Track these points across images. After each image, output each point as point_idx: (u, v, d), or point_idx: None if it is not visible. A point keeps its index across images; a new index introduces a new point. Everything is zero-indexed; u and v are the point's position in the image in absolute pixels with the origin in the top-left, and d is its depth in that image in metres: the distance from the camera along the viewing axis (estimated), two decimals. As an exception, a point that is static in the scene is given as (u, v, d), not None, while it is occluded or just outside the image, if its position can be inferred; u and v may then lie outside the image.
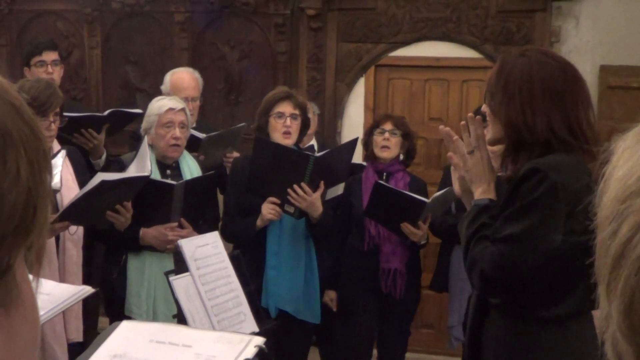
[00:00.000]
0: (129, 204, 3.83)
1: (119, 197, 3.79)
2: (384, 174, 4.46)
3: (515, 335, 2.40)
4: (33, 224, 0.72)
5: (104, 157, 4.57)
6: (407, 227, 4.20)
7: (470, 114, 2.56)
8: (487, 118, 2.52)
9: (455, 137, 2.53)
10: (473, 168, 2.49)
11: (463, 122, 2.55)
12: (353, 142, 4.31)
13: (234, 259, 3.56)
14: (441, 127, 2.60)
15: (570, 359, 2.38)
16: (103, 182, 3.54)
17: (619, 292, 0.64)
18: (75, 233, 3.81)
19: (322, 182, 4.01)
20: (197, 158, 4.32)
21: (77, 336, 3.58)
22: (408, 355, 4.80)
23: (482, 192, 2.48)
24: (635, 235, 0.64)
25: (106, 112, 4.58)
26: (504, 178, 2.48)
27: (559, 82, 2.39)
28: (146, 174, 3.79)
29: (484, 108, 2.56)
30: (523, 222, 2.30)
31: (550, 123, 2.35)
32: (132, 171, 3.93)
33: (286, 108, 4.13)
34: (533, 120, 2.36)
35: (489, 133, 2.53)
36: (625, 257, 0.64)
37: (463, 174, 2.52)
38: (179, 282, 3.16)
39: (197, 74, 4.96)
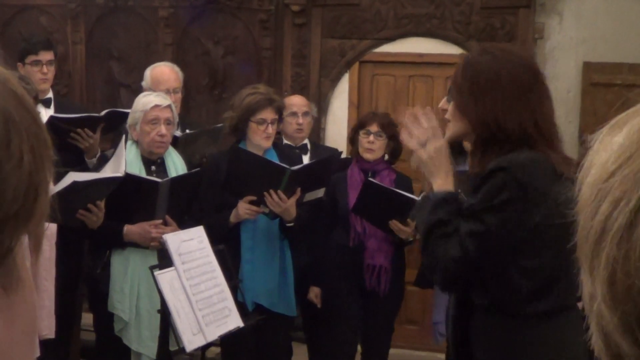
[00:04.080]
0: (101, 204, 3.81)
1: (92, 196, 3.77)
2: (370, 172, 4.47)
3: (503, 331, 2.41)
4: (34, 209, 0.73)
5: (98, 155, 4.55)
6: (396, 225, 4.22)
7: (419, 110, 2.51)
8: (448, 115, 2.53)
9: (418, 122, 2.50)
10: (431, 159, 2.46)
11: (411, 113, 2.50)
12: (336, 155, 4.39)
13: (218, 253, 3.57)
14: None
15: (558, 354, 2.40)
16: (75, 183, 3.51)
17: (602, 265, 0.66)
18: (48, 229, 3.75)
19: (298, 189, 4.05)
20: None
21: (49, 333, 3.54)
22: (392, 351, 4.80)
23: (440, 185, 2.45)
24: (615, 209, 0.65)
25: (103, 113, 4.56)
26: (472, 174, 2.47)
27: (525, 78, 2.40)
28: (119, 174, 3.77)
29: (443, 105, 2.57)
30: (488, 221, 2.31)
31: (520, 120, 2.36)
32: (108, 171, 3.91)
33: (268, 115, 4.17)
34: (503, 118, 2.37)
35: (449, 130, 2.53)
36: (606, 231, 0.66)
37: (420, 165, 2.49)
38: (164, 277, 3.16)
39: (176, 68, 4.93)
